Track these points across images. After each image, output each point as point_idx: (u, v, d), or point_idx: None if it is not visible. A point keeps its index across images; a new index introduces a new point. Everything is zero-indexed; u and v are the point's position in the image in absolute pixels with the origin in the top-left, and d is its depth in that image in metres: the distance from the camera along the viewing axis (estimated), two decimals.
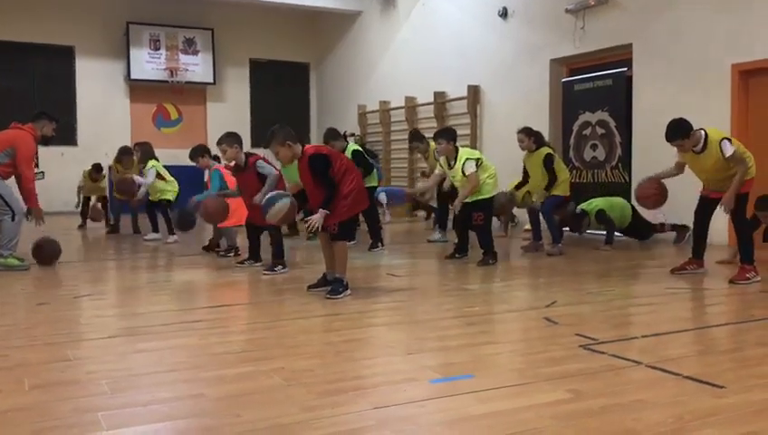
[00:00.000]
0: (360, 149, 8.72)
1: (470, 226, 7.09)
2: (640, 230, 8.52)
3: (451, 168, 7.00)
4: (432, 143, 8.02)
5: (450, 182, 7.58)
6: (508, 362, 3.48)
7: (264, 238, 6.72)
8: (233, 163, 6.69)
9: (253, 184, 6.46)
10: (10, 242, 6.59)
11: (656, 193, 6.41)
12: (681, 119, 5.85)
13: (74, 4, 14.93)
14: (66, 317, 4.62)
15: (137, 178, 9.35)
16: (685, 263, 6.21)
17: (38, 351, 3.64)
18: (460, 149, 7.04)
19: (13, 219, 6.59)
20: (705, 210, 6.05)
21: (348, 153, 8.14)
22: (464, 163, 6.82)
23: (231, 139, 6.61)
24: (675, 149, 6.00)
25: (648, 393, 2.89)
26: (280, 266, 6.37)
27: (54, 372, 3.27)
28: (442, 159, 7.15)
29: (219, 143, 6.67)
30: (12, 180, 6.73)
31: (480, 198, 6.90)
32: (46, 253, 6.96)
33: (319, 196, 5.17)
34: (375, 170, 8.88)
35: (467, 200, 6.91)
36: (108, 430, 2.51)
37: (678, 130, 5.80)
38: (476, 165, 6.85)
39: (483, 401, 2.78)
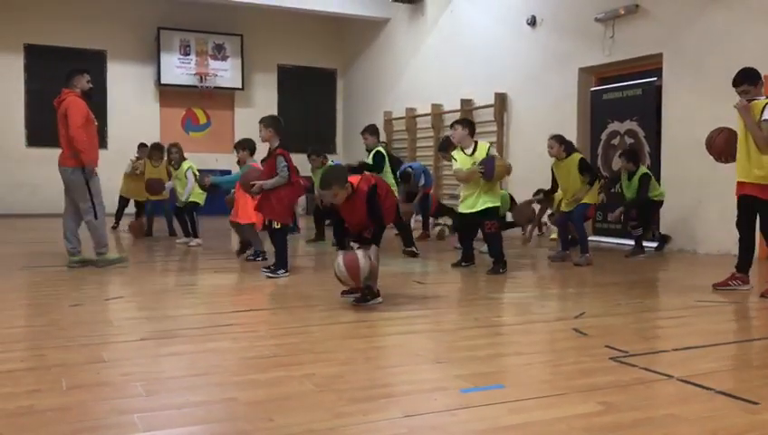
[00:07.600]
0: (384, 151, 8.74)
1: (483, 234, 7.07)
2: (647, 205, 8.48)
3: (469, 156, 6.81)
4: None
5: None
6: (538, 373, 3.47)
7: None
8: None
9: (270, 173, 6.56)
10: (102, 238, 6.96)
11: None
12: (751, 67, 5.63)
13: (106, 9, 15.20)
14: (99, 319, 4.69)
15: (167, 184, 9.54)
16: (728, 278, 5.88)
17: (74, 351, 3.71)
18: (480, 142, 7.00)
19: (96, 217, 6.88)
20: (747, 215, 5.68)
21: (371, 155, 8.26)
22: (489, 149, 6.82)
23: (269, 120, 6.67)
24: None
25: (680, 408, 2.87)
26: (282, 271, 6.43)
27: (91, 372, 3.33)
28: (455, 152, 6.97)
29: (260, 121, 6.71)
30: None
31: (491, 205, 6.84)
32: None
33: (359, 222, 5.11)
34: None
35: (477, 209, 6.81)
36: (144, 431, 2.56)
37: (748, 74, 5.53)
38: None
39: (515, 412, 2.79)
